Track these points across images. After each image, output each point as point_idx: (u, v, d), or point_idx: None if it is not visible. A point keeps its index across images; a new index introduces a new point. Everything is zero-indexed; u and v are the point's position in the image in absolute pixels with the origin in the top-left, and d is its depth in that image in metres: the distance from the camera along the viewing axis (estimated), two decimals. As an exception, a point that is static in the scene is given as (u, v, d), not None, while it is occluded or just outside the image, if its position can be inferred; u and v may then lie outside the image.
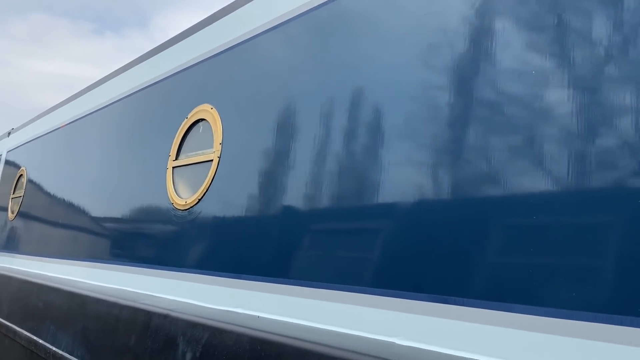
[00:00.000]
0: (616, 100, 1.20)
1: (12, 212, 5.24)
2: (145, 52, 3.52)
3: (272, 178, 2.16)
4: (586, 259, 1.19)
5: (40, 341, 3.51)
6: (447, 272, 1.44)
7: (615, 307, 1.12)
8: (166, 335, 2.22)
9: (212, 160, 2.51)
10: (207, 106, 2.67)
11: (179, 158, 2.80)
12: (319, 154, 1.96)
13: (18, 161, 5.60)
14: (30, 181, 5.03)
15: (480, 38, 1.52)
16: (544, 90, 1.35)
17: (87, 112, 4.15)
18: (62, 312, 3.42)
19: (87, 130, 4.13)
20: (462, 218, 1.45)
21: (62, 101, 4.85)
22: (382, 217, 1.69)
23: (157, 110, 3.24)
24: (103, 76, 4.09)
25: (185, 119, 2.80)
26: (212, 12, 2.88)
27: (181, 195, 2.68)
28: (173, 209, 2.69)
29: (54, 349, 3.29)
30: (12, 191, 5.38)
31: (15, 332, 4.04)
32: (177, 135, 2.84)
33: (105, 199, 3.58)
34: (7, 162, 5.96)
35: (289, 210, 2.05)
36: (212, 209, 2.47)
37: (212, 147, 2.55)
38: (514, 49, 1.44)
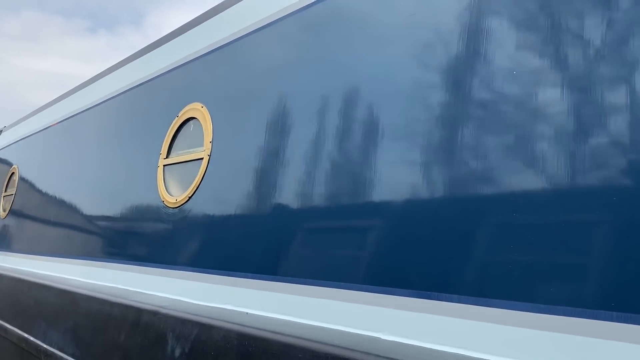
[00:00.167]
0: (605, 98, 1.23)
1: (4, 210, 5.23)
2: (137, 50, 3.53)
3: (261, 176, 2.18)
4: (566, 256, 1.22)
5: (32, 338, 3.52)
6: (430, 269, 1.47)
7: (599, 302, 1.15)
8: (156, 332, 2.24)
9: (202, 159, 2.53)
10: (197, 105, 2.69)
11: (170, 156, 2.81)
12: (308, 152, 1.98)
13: (10, 159, 5.59)
14: (22, 179, 5.03)
15: (475, 36, 1.55)
16: (530, 88, 1.38)
17: (79, 110, 4.15)
18: (53, 310, 3.43)
19: (79, 129, 4.14)
20: (444, 216, 1.48)
21: (54, 99, 4.84)
22: (367, 216, 1.72)
23: (148, 109, 3.25)
24: (95, 74, 4.09)
25: (176, 118, 2.82)
26: (203, 11, 2.90)
27: (172, 193, 2.70)
28: (164, 206, 2.71)
29: (44, 346, 3.29)
30: (4, 189, 5.38)
31: (6, 329, 4.04)
32: (168, 133, 2.85)
33: (96, 197, 3.59)
34: (-1, 160, 5.95)
35: (277, 208, 2.07)
36: (203, 206, 2.49)
37: (202, 145, 2.57)
38: (509, 48, 1.47)
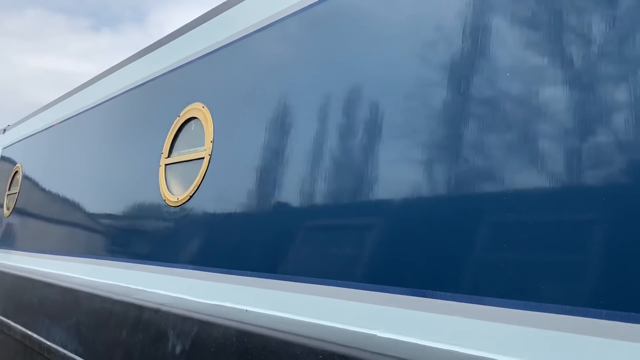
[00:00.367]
0: (605, 97, 1.25)
1: (8, 209, 5.27)
2: (139, 50, 3.56)
3: (261, 175, 2.21)
4: (558, 255, 1.25)
5: (35, 335, 3.56)
6: (425, 268, 1.49)
7: (592, 300, 1.17)
8: (157, 329, 2.27)
9: (203, 158, 2.56)
10: (198, 105, 2.72)
11: (171, 155, 2.84)
12: (307, 152, 2.01)
13: (13, 158, 5.63)
14: (25, 178, 5.07)
15: (477, 34, 1.57)
16: (529, 86, 1.40)
17: (82, 110, 4.19)
18: (56, 307, 3.46)
19: (82, 128, 4.17)
20: (439, 216, 1.50)
21: (57, 98, 4.88)
22: (365, 215, 1.74)
23: (150, 108, 3.28)
24: (98, 73, 4.13)
25: (178, 117, 2.85)
26: (206, 11, 2.92)
27: (173, 192, 2.73)
28: (165, 205, 2.74)
29: (48, 343, 3.33)
30: (8, 188, 5.42)
31: (9, 326, 4.08)
32: (169, 133, 2.88)
33: (99, 196, 3.63)
34: (3, 159, 5.99)
35: (277, 207, 2.10)
36: (203, 205, 2.52)
37: (203, 145, 2.60)
38: (511, 46, 1.49)
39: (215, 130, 2.54)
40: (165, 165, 2.84)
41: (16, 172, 5.30)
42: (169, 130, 2.88)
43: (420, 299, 1.47)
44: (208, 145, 2.55)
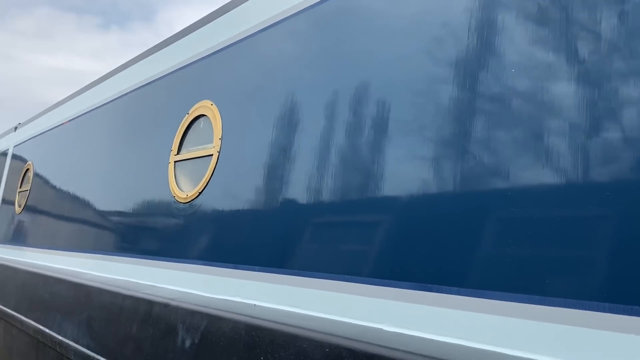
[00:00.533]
0: (615, 93, 1.26)
1: (19, 206, 5.34)
2: (148, 48, 3.59)
3: (269, 172, 2.23)
4: (559, 249, 1.26)
5: (47, 330, 3.61)
6: (431, 263, 1.51)
7: (595, 294, 1.18)
8: (167, 323, 2.31)
9: (212, 155, 2.59)
10: (207, 102, 2.75)
11: (181, 152, 2.87)
12: (314, 149, 2.03)
13: (25, 155, 5.69)
14: (36, 175, 5.13)
15: (486, 31, 1.58)
16: (535, 83, 1.41)
17: (92, 108, 4.23)
18: (68, 303, 3.51)
19: (92, 126, 4.22)
20: (444, 212, 1.52)
21: (67, 97, 4.93)
22: (372, 211, 1.76)
23: (159, 106, 3.32)
24: (107, 72, 4.17)
25: (187, 115, 2.88)
26: (214, 8, 2.95)
27: (182, 189, 2.76)
28: (175, 202, 2.77)
29: (59, 337, 3.38)
30: (19, 185, 5.48)
31: (22, 322, 4.14)
32: (178, 130, 2.91)
33: (109, 193, 3.67)
34: (14, 157, 6.06)
35: (284, 203, 2.12)
36: (212, 201, 2.55)
37: (212, 142, 2.62)
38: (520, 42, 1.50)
39: (224, 128, 2.57)
40: (175, 162, 2.88)
41: (27, 169, 5.37)
42: (178, 127, 2.92)
43: (426, 293, 1.49)
44: (217, 142, 2.58)
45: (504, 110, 1.46)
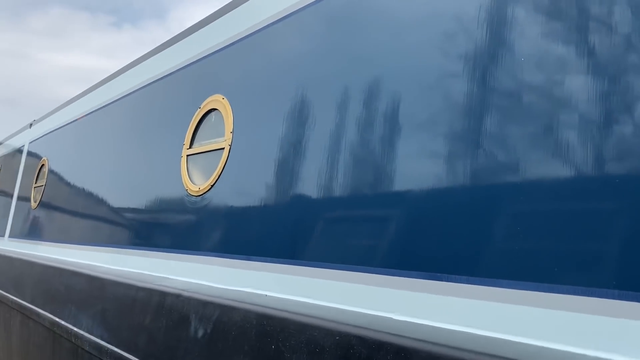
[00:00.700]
0: (628, 88, 1.27)
1: (35, 201, 5.42)
2: (161, 43, 3.63)
3: (280, 165, 2.25)
4: (568, 238, 1.27)
5: (62, 322, 3.68)
6: (439, 252, 1.52)
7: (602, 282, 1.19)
8: (179, 314, 2.34)
9: (223, 149, 2.62)
10: (219, 96, 2.77)
11: (193, 146, 2.91)
12: (324, 142, 2.04)
13: (40, 152, 5.78)
14: (51, 171, 5.20)
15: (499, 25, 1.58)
16: (548, 76, 1.42)
17: (105, 103, 4.29)
18: (83, 295, 3.57)
19: (105, 121, 4.27)
20: (453, 202, 1.53)
21: (81, 93, 5.00)
22: (381, 203, 1.78)
23: (171, 101, 3.35)
24: (120, 68, 4.21)
25: (199, 109, 2.91)
26: (225, 4, 2.97)
27: (195, 182, 2.79)
28: (187, 195, 2.81)
29: (75, 329, 3.44)
30: (35, 181, 5.57)
31: (38, 314, 4.22)
32: (190, 124, 2.94)
33: (122, 187, 3.72)
34: (30, 153, 6.15)
35: (295, 196, 2.14)
36: (224, 194, 2.58)
37: (223, 135, 2.65)
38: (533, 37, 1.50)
39: (235, 121, 2.59)
40: (187, 156, 2.91)
41: (42, 165, 5.45)
42: (190, 121, 2.95)
43: (435, 282, 1.50)
44: (228, 136, 2.60)
45: (517, 105, 1.46)
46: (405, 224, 1.67)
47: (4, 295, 5.31)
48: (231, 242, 2.46)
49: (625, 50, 1.26)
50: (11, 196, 6.29)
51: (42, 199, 5.22)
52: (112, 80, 4.29)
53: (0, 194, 6.98)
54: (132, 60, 4.01)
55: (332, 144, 2.01)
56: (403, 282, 1.58)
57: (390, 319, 1.57)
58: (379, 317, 1.59)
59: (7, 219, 6.21)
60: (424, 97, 1.72)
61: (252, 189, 2.40)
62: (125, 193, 3.64)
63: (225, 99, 2.72)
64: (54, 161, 5.24)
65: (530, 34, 1.46)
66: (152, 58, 3.69)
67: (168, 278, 2.70)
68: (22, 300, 4.74)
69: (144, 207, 3.35)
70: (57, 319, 3.79)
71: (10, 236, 6.06)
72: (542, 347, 1.22)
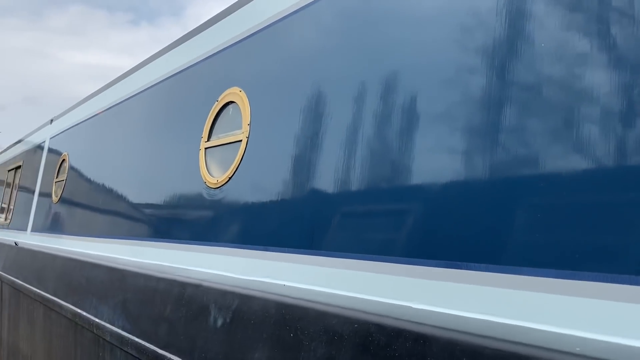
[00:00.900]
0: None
1: (56, 196, 5.51)
2: (178, 38, 3.66)
3: (297, 156, 2.26)
4: (589, 225, 1.26)
5: (84, 313, 3.74)
6: (457, 241, 1.52)
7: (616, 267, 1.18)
8: (199, 304, 2.37)
9: (241, 141, 2.64)
10: (236, 89, 2.79)
11: (211, 139, 2.93)
12: (342, 132, 2.05)
13: (60, 147, 5.87)
14: (72, 166, 5.29)
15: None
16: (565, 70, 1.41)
17: (124, 98, 4.34)
18: (104, 286, 3.63)
19: (124, 116, 4.32)
20: (473, 190, 1.53)
21: (100, 89, 5.06)
22: (399, 193, 1.78)
23: (189, 94, 3.38)
24: (138, 63, 4.26)
25: (216, 102, 2.93)
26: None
27: (213, 175, 2.82)
28: (205, 187, 2.84)
29: (96, 320, 3.50)
30: (55, 175, 5.66)
31: (61, 306, 4.30)
32: (208, 117, 2.97)
33: (141, 180, 3.77)
34: (50, 149, 6.25)
35: (313, 186, 2.15)
36: (242, 186, 2.60)
37: (241, 128, 2.67)
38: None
39: (252, 113, 2.61)
40: (205, 148, 2.94)
41: (63, 160, 5.53)
42: (208, 114, 2.97)
43: (454, 270, 1.50)
44: (245, 128, 2.62)
45: (537, 96, 1.45)
46: (423, 214, 1.67)
47: (28, 287, 5.42)
48: (249, 233, 2.48)
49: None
50: (33, 191, 6.41)
51: (63, 193, 5.31)
52: (131, 76, 4.33)
53: (23, 189, 7.11)
54: (150, 55, 4.05)
55: (349, 135, 2.01)
56: (422, 271, 1.58)
57: (410, 307, 1.57)
58: (398, 306, 1.60)
59: (29, 214, 6.33)
60: (446, 88, 1.72)
61: (270, 180, 2.42)
62: (145, 186, 3.69)
63: (242, 91, 2.74)
64: (74, 156, 5.32)
65: (549, 26, 1.44)
66: (169, 52, 3.73)
67: (187, 269, 2.73)
68: (44, 292, 4.84)
69: (163, 200, 3.39)
70: (79, 310, 3.86)
71: (32, 230, 6.18)
72: (562, 334, 1.21)
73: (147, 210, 3.63)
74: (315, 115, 2.21)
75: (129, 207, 3.87)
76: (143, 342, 2.80)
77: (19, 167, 7.50)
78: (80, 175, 5.04)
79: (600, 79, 1.30)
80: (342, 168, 2.01)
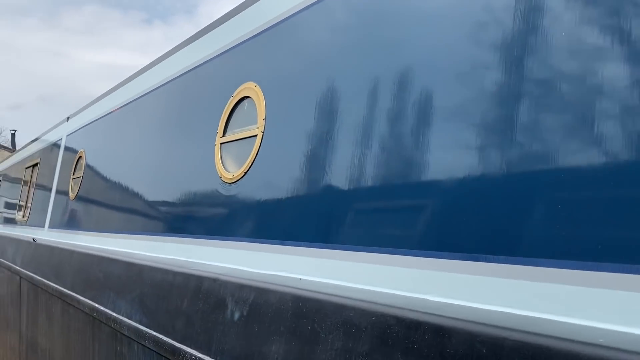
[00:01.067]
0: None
1: (73, 192, 5.58)
2: (193, 34, 3.68)
3: (312, 151, 2.26)
4: (605, 216, 1.24)
5: (102, 308, 3.79)
6: (476, 233, 1.51)
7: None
8: (216, 297, 2.39)
9: (256, 136, 2.64)
10: (251, 84, 2.80)
11: (226, 134, 2.94)
12: (356, 128, 2.04)
13: (77, 144, 5.93)
14: (88, 162, 5.34)
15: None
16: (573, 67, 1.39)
17: (139, 95, 4.37)
18: (121, 281, 3.67)
19: (140, 112, 4.36)
20: (489, 183, 1.52)
21: (115, 86, 5.11)
22: (414, 186, 1.77)
23: (205, 90, 3.40)
24: (153, 59, 4.29)
25: (231, 97, 2.94)
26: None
27: (228, 170, 2.83)
28: (221, 182, 2.85)
29: (114, 314, 3.54)
30: (72, 172, 5.72)
31: (78, 300, 4.35)
32: (223, 112, 2.98)
33: (157, 176, 3.79)
34: (67, 146, 6.32)
35: (328, 180, 2.15)
36: (257, 181, 2.61)
37: (256, 123, 2.68)
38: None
39: (268, 108, 2.62)
40: (221, 144, 2.95)
41: (80, 157, 5.59)
42: (223, 110, 2.99)
43: (472, 263, 1.50)
44: (260, 123, 2.63)
45: (549, 94, 1.44)
46: (439, 207, 1.66)
47: (46, 283, 5.50)
48: (265, 227, 2.49)
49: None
50: (50, 188, 6.49)
51: (80, 190, 5.37)
52: (146, 72, 4.37)
53: (40, 186, 7.21)
54: (164, 52, 4.08)
55: (364, 129, 2.01)
56: (440, 264, 1.58)
57: (427, 300, 1.57)
58: (415, 298, 1.59)
59: (47, 210, 6.42)
60: (461, 84, 1.71)
61: (285, 175, 2.42)
62: (161, 182, 3.72)
63: (257, 86, 2.74)
64: (91, 153, 5.38)
65: (564, 22, 1.43)
66: (184, 49, 3.75)
67: (204, 263, 2.75)
68: (62, 287, 4.90)
69: (179, 196, 3.41)
70: (96, 305, 3.91)
71: (50, 226, 6.26)
72: (581, 325, 1.20)
73: (164, 206, 3.66)
74: (330, 110, 2.21)
75: (145, 203, 3.91)
76: (160, 336, 2.83)
77: (36, 164, 7.61)
78: (96, 172, 5.10)
79: (614, 73, 1.28)
80: (357, 162, 2.00)
